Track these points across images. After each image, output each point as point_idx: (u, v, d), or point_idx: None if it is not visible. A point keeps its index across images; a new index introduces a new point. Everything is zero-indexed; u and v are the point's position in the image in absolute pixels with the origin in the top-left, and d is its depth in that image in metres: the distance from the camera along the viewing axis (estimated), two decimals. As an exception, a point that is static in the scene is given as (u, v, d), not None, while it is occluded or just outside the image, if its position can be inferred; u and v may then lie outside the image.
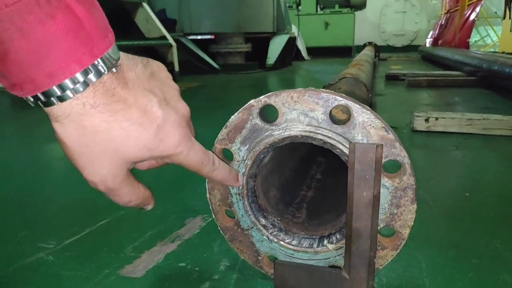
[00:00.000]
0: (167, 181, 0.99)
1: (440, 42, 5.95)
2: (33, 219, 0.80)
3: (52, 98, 0.32)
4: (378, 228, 0.49)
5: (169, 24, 3.94)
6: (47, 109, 0.33)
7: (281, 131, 0.49)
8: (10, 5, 0.28)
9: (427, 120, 1.40)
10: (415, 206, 0.48)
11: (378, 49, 5.44)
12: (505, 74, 2.20)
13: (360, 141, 0.47)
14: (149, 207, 0.44)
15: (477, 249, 0.65)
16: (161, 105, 0.36)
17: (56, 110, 0.33)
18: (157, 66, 0.41)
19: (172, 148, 0.38)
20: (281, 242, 0.55)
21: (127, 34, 3.27)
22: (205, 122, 1.71)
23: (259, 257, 0.56)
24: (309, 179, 0.76)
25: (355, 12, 6.98)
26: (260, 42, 4.48)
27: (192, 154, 0.41)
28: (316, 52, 6.58)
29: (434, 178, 0.98)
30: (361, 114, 0.46)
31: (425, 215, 0.77)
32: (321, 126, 0.48)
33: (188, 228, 0.73)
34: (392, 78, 3.07)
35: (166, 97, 0.38)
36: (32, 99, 0.32)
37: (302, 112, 0.48)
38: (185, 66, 3.69)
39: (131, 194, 0.40)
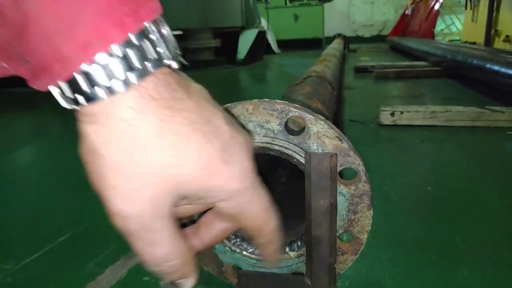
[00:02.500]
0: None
1: (407, 32, 6.07)
2: (-10, 237, 0.77)
3: (97, 90, 0.23)
4: (337, 234, 0.50)
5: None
6: (85, 107, 0.24)
7: (237, 143, 0.49)
8: None
9: (392, 114, 1.43)
10: (371, 211, 0.49)
11: (347, 40, 5.50)
12: (467, 64, 2.27)
13: (315, 151, 0.47)
14: (188, 282, 0.30)
15: (437, 246, 0.66)
16: (227, 123, 0.28)
17: (97, 106, 0.23)
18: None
19: (237, 180, 0.28)
20: (244, 252, 0.54)
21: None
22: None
23: (223, 268, 0.56)
24: (273, 183, 0.76)
25: (324, 4, 7.03)
26: (230, 37, 4.44)
27: (257, 199, 0.31)
28: (286, 45, 6.59)
29: (399, 174, 1.00)
30: (315, 124, 0.46)
31: (389, 213, 0.78)
32: (277, 137, 0.48)
33: (153, 239, 0.72)
34: (361, 71, 3.11)
35: (231, 121, 0.30)
36: (70, 92, 0.23)
37: (258, 124, 0.48)
38: (154, 63, 3.62)
39: (170, 246, 0.27)
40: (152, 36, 0.24)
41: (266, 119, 0.48)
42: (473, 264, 0.60)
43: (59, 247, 0.72)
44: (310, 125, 0.47)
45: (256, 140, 0.48)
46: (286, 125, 0.48)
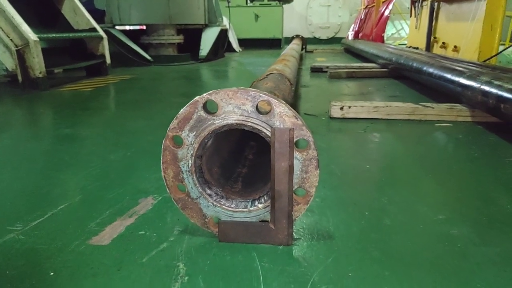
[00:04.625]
0: (115, 170, 1.10)
1: (360, 35, 6.45)
2: (-7, 208, 0.87)
3: None
4: (293, 189, 0.67)
5: (98, 15, 3.86)
6: None
7: (220, 120, 0.65)
8: None
9: (341, 108, 1.64)
10: (318, 171, 0.66)
11: (305, 42, 5.77)
12: (408, 66, 2.56)
13: (278, 126, 0.64)
14: None
15: (369, 205, 0.86)
16: None
17: None
18: None
19: None
20: (223, 206, 0.70)
21: (54, 26, 3.16)
22: (144, 115, 1.80)
23: (206, 220, 0.72)
24: (243, 159, 0.93)
25: (283, 5, 7.27)
26: (193, 34, 4.54)
27: None
28: (247, 43, 6.78)
29: (344, 156, 1.20)
30: (279, 107, 0.63)
31: (334, 183, 0.98)
32: (251, 116, 0.65)
33: (142, 206, 0.86)
34: (316, 70, 3.35)
35: None
36: None
37: (236, 106, 0.64)
38: (115, 58, 3.66)
39: None
40: None
41: (242, 102, 0.64)
42: (393, 216, 0.81)
43: (61, 213, 0.84)
44: (274, 107, 0.64)
45: (234, 118, 0.65)
46: (257, 107, 0.64)
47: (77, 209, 0.86)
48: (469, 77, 1.62)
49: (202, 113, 0.65)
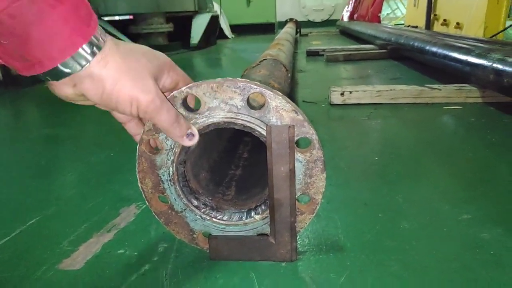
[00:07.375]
0: (96, 174, 0.99)
1: (355, 16, 6.28)
2: (-46, 226, 0.76)
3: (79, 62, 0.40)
4: (296, 196, 0.57)
5: (82, 5, 3.68)
6: (74, 75, 0.41)
7: (204, 119, 0.54)
8: None
9: (342, 94, 1.53)
10: (324, 175, 0.56)
11: (299, 25, 5.61)
12: (409, 46, 2.43)
13: (275, 123, 0.53)
14: (195, 131, 0.53)
15: (382, 205, 0.76)
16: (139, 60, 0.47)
17: (91, 66, 0.41)
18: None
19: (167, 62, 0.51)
20: (213, 219, 0.60)
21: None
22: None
23: (194, 235, 0.61)
24: (236, 159, 0.82)
25: (275, -12, 7.06)
26: (182, 22, 4.37)
27: (165, 109, 0.49)
28: (239, 29, 6.58)
29: (348, 147, 1.09)
30: (274, 100, 0.52)
31: (340, 180, 0.87)
32: (241, 112, 0.53)
33: (123, 217, 0.76)
34: (312, 54, 3.21)
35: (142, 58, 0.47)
36: (64, 70, 0.40)
37: (223, 101, 0.53)
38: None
39: (174, 110, 0.49)
40: (96, 37, 0.41)
41: (229, 96, 0.53)
42: (411, 217, 0.70)
43: (30, 229, 0.73)
44: (269, 100, 0.52)
45: (221, 116, 0.53)
46: (248, 101, 0.53)
47: (49, 224, 0.75)
48: (478, 55, 1.50)
49: (182, 111, 0.53)
